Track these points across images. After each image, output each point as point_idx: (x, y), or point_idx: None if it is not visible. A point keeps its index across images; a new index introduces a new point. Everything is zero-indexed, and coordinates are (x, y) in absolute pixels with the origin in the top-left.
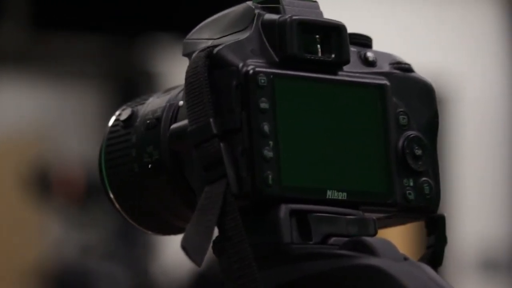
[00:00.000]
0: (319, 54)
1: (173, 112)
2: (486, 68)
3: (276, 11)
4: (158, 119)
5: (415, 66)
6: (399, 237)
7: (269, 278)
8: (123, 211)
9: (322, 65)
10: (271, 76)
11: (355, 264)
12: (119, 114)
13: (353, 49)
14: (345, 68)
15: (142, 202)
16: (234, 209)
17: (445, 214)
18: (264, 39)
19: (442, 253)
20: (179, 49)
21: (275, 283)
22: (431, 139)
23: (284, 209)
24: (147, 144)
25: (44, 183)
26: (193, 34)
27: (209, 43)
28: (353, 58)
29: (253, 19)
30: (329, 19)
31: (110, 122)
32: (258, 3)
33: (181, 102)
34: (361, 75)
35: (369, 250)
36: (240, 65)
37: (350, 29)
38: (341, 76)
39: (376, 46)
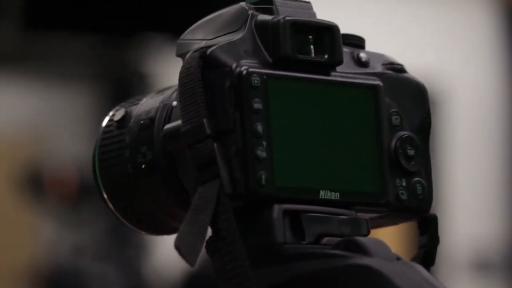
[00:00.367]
0: (312, 55)
1: (167, 113)
2: (479, 69)
3: (269, 12)
4: (152, 120)
5: (408, 67)
6: (392, 237)
7: (262, 278)
8: (117, 211)
9: (315, 66)
10: (265, 77)
11: (348, 264)
12: (113, 115)
13: (346, 49)
14: (338, 68)
15: (135, 203)
16: (227, 209)
17: (438, 214)
18: (258, 39)
19: (435, 253)
20: (172, 50)
21: (268, 283)
22: (424, 139)
23: (277, 209)
24: (141, 145)
25: (36, 184)
26: (187, 34)
27: (203, 43)
28: (346, 58)
29: (247, 20)
30: (322, 20)
31: (104, 123)
32: (252, 3)
33: (174, 103)
34: (354, 75)
35: (362, 250)
36: (234, 65)
37: (343, 30)
38: (334, 76)
39: (369, 46)
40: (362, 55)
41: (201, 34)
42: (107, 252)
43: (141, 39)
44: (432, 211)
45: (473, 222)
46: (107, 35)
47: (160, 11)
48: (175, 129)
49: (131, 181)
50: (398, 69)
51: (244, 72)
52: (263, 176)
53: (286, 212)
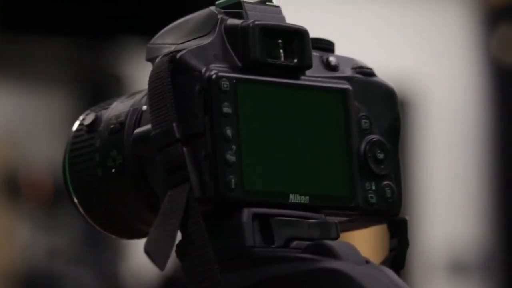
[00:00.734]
0: (282, 59)
1: (137, 117)
2: (455, 71)
3: (238, 16)
4: (122, 124)
5: (384, 69)
6: (366, 240)
7: (232, 282)
8: (87, 215)
9: (285, 70)
10: (234, 81)
11: (317, 267)
12: (83, 119)
13: (315, 53)
14: (308, 72)
15: (105, 207)
16: (197, 213)
17: (414, 216)
18: (227, 44)
19: (404, 256)
20: None
21: (238, 286)
22: (393, 142)
23: (246, 213)
24: (111, 149)
25: (12, 187)
26: (157, 39)
27: (172, 48)
28: (316, 62)
29: (216, 24)
30: (291, 24)
31: (74, 127)
32: (221, 8)
33: (144, 107)
34: (323, 79)
35: (331, 254)
36: (203, 70)
37: (317, 33)
38: (304, 80)
39: (344, 49)
40: (332, 59)
41: (171, 39)
42: (83, 255)
43: (117, 42)
44: (408, 213)
45: (449, 224)
46: (82, 38)
47: (136, 14)
48: (145, 133)
49: (101, 185)
50: (368, 73)
51: (214, 76)
52: (233, 180)
53: (255, 216)
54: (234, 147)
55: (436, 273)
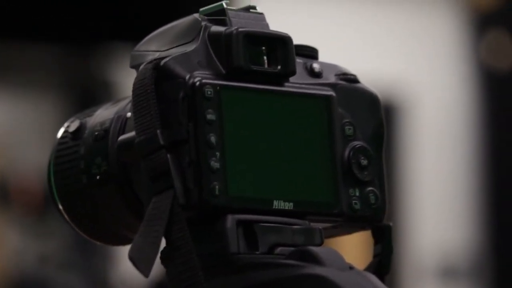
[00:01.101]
0: (266, 66)
1: (121, 124)
2: (443, 76)
3: (222, 23)
4: (106, 131)
5: (372, 74)
6: (356, 246)
7: None
8: (72, 222)
9: (269, 77)
10: (218, 88)
11: (301, 273)
12: (68, 126)
13: (299, 60)
14: (291, 79)
15: (90, 213)
16: (181, 219)
17: (404, 221)
18: (211, 51)
19: (389, 261)
20: None
21: None
22: (377, 149)
23: (230, 220)
24: (96, 156)
25: (2, 193)
26: (141, 46)
27: (156, 55)
28: (299, 69)
29: (200, 31)
30: (275, 31)
31: (59, 134)
32: (205, 15)
33: (129, 114)
34: (307, 86)
35: (315, 260)
36: (187, 77)
37: (306, 38)
38: (287, 87)
39: (333, 54)
40: (315, 65)
41: (155, 46)
42: (73, 261)
43: (106, 48)
44: (397, 218)
45: (439, 229)
46: (71, 44)
47: (125, 20)
48: (129, 140)
49: (86, 192)
50: (351, 79)
51: (197, 83)
52: (217, 187)
53: (239, 222)
54: (218, 153)
55: (426, 277)
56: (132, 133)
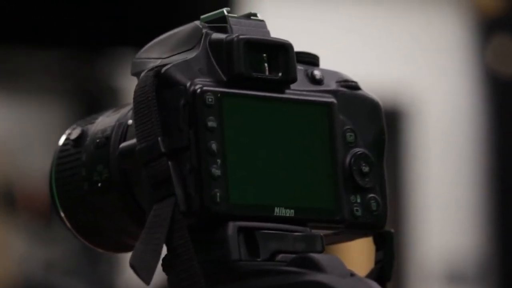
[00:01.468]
0: (267, 73)
1: (122, 131)
2: (449, 81)
3: (223, 30)
4: (108, 138)
5: (377, 80)
6: (363, 253)
7: None
8: (74, 229)
9: (270, 84)
10: (219, 95)
11: (302, 280)
12: (69, 133)
13: (300, 67)
14: (292, 86)
15: (92, 221)
16: (182, 226)
17: (410, 227)
18: (212, 58)
19: (391, 268)
20: None
21: None
22: (378, 155)
23: (232, 227)
24: (97, 163)
25: (8, 199)
26: (142, 53)
27: (158, 62)
28: (300, 76)
29: (201, 39)
30: (275, 38)
31: (60, 141)
32: (206, 22)
33: (130, 121)
34: (308, 93)
35: (316, 267)
36: (188, 84)
37: (310, 44)
38: (288, 94)
39: (338, 60)
40: (316, 72)
41: (156, 53)
42: (79, 267)
43: (112, 53)
44: (404, 223)
45: (445, 234)
46: (77, 50)
47: (131, 26)
48: (131, 148)
49: (87, 199)
50: (352, 86)
51: (198, 90)
52: (218, 194)
53: (240, 229)
54: (219, 161)
55: (433, 283)
56: (133, 141)
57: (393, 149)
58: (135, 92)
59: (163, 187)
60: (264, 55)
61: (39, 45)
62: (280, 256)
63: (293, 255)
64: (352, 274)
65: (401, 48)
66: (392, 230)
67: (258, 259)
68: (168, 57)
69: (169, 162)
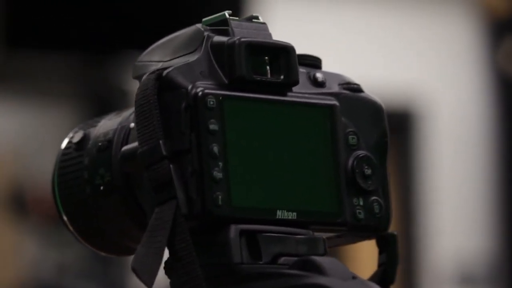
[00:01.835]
0: (268, 76)
1: (125, 134)
2: (460, 83)
3: (225, 33)
4: (110, 141)
5: (388, 82)
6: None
7: None
8: (76, 232)
9: (271, 86)
10: (220, 98)
11: (304, 283)
12: (72, 137)
13: (302, 70)
14: (294, 89)
15: (94, 224)
16: (184, 229)
17: (422, 228)
18: (213, 61)
19: (394, 271)
20: None
21: None
22: (381, 158)
23: (234, 229)
24: (99, 166)
25: (19, 202)
26: (144, 56)
27: (159, 65)
28: (302, 79)
29: (202, 42)
30: (277, 41)
31: (63, 145)
32: (207, 25)
33: (132, 124)
34: (310, 95)
35: (318, 270)
36: (189, 87)
37: (325, 46)
38: (290, 97)
39: (350, 62)
40: (318, 75)
41: (158, 56)
42: (91, 270)
43: (123, 57)
44: (416, 225)
45: (456, 236)
46: (88, 53)
47: (141, 29)
48: (133, 151)
49: (90, 202)
50: (355, 88)
51: (200, 93)
52: (220, 197)
53: (242, 232)
54: (221, 163)
55: (444, 284)
56: (135, 144)
57: (404, 151)
58: (136, 95)
59: (165, 190)
60: (266, 57)
61: (50, 49)
62: (282, 259)
63: (295, 258)
64: (354, 277)
65: (412, 51)
66: (395, 233)
67: (260, 262)
68: (169, 60)
69: (171, 165)
